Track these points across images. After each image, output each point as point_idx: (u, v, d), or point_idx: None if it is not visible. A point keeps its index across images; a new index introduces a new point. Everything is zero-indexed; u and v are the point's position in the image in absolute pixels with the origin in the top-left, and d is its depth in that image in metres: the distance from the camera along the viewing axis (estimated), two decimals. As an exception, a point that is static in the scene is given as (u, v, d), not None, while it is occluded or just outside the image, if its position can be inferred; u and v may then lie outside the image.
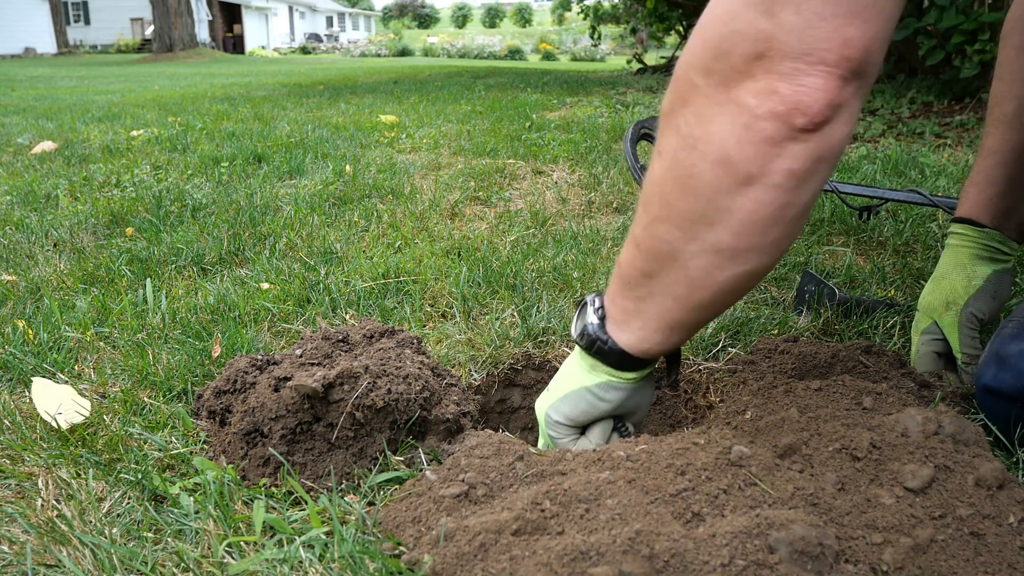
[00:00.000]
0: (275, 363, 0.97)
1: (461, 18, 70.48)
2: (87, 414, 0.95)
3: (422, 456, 0.87)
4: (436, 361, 1.04)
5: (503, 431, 1.10)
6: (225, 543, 0.73)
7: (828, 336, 1.22)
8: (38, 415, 0.95)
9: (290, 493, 0.82)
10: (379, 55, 30.38)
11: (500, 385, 1.16)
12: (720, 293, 0.73)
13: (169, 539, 0.75)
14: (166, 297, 1.41)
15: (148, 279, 1.49)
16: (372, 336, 1.03)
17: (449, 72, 10.12)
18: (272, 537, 0.75)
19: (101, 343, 1.22)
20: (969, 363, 1.05)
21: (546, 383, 1.19)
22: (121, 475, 0.84)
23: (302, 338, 1.04)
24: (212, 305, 1.36)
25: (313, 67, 13.90)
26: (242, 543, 0.74)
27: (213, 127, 3.93)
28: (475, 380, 1.13)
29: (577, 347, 0.86)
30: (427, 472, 0.82)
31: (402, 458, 0.87)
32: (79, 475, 0.85)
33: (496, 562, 0.64)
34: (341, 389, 0.86)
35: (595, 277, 1.49)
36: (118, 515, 0.79)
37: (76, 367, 1.14)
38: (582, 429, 0.90)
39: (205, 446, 0.92)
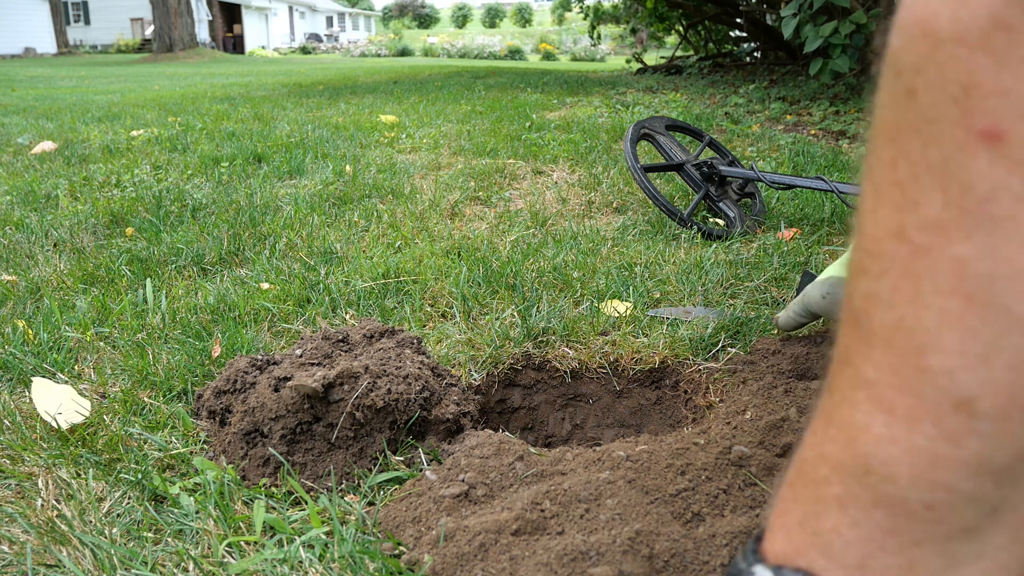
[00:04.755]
0: (275, 363, 0.98)
1: (461, 18, 70.45)
2: (87, 414, 0.95)
3: (422, 456, 0.87)
4: (436, 361, 1.04)
5: (503, 431, 1.10)
6: (225, 543, 0.73)
7: (828, 336, 1.22)
8: (38, 415, 0.95)
9: (290, 493, 0.82)
10: (379, 55, 30.38)
11: (500, 385, 1.16)
12: None
13: (169, 539, 0.75)
14: (166, 297, 1.41)
15: (148, 279, 1.49)
16: (372, 336, 1.03)
17: (449, 72, 10.11)
18: (272, 537, 0.75)
19: (101, 343, 1.22)
20: None
21: (546, 383, 1.19)
22: (121, 475, 0.84)
23: (302, 338, 1.04)
24: (212, 305, 1.36)
25: (313, 67, 13.90)
26: (242, 543, 0.74)
27: (213, 127, 3.93)
28: (475, 380, 1.13)
29: None
30: (427, 472, 0.82)
31: (402, 458, 0.87)
32: (79, 475, 0.85)
33: (496, 562, 0.64)
34: (341, 389, 0.86)
35: (595, 277, 1.49)
36: (118, 515, 0.79)
37: (76, 367, 1.14)
38: None
39: (205, 446, 0.92)
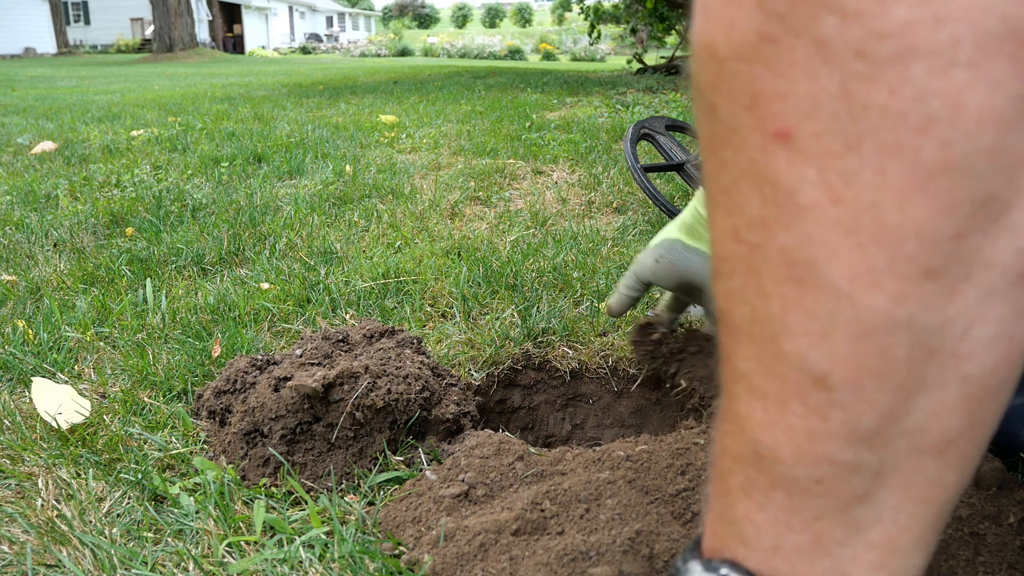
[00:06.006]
0: (275, 363, 0.97)
1: (461, 18, 70.46)
2: (87, 414, 0.95)
3: (422, 456, 0.87)
4: (436, 361, 1.04)
5: (503, 431, 1.10)
6: (225, 543, 0.73)
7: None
8: (38, 415, 0.95)
9: (290, 493, 0.82)
10: (379, 55, 30.38)
11: (500, 385, 1.16)
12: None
13: (169, 539, 0.75)
14: (166, 297, 1.41)
15: (148, 279, 1.49)
16: (372, 336, 1.03)
17: (449, 72, 10.11)
18: (272, 537, 0.75)
19: (101, 343, 1.22)
20: None
21: (546, 383, 1.19)
22: (121, 475, 0.84)
23: (302, 338, 1.04)
24: (212, 305, 1.36)
25: (313, 67, 13.90)
26: (242, 543, 0.74)
27: (213, 127, 3.93)
28: (475, 380, 1.13)
29: None
30: (427, 472, 0.82)
31: (402, 458, 0.87)
32: (79, 475, 0.85)
33: (496, 562, 0.64)
34: (341, 389, 0.86)
35: (595, 277, 1.49)
36: (118, 515, 0.79)
37: (76, 367, 1.14)
38: None
39: (205, 446, 0.92)
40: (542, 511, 0.69)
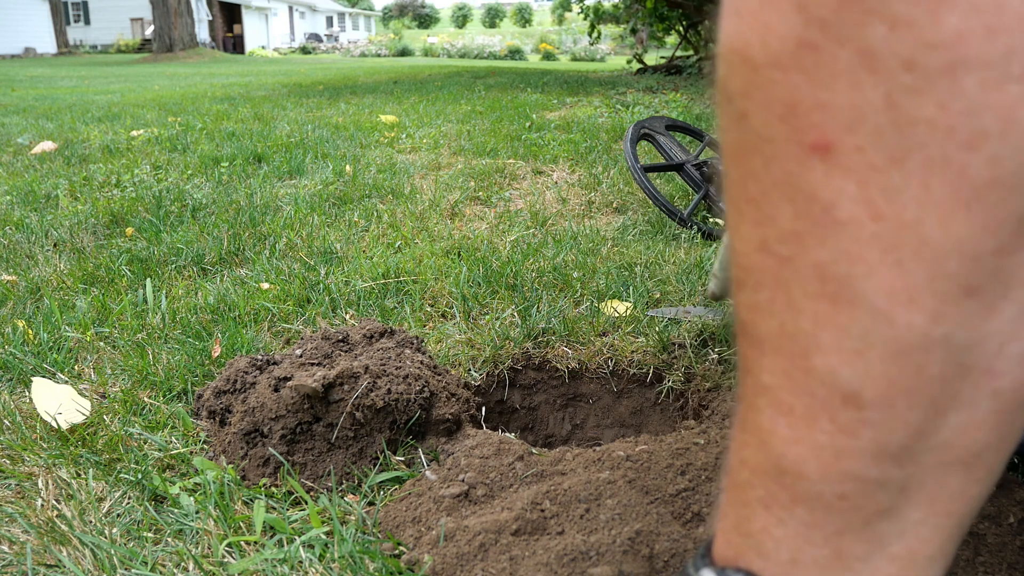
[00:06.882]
0: (275, 363, 0.97)
1: (461, 18, 70.46)
2: (87, 414, 0.95)
3: (422, 456, 0.87)
4: (436, 361, 1.04)
5: (503, 431, 1.10)
6: (225, 543, 0.73)
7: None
8: (38, 415, 0.95)
9: (290, 493, 0.82)
10: (379, 55, 30.38)
11: (500, 385, 1.16)
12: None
13: (169, 539, 0.75)
14: (166, 297, 1.41)
15: (148, 279, 1.49)
16: (372, 336, 1.03)
17: (449, 72, 10.11)
18: (272, 537, 0.75)
19: (101, 343, 1.22)
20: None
21: (546, 383, 1.19)
22: (121, 475, 0.84)
23: (302, 338, 1.04)
24: (212, 305, 1.36)
25: (313, 67, 13.90)
26: (242, 543, 0.74)
27: (213, 127, 3.93)
28: (475, 380, 1.13)
29: None
30: (427, 472, 0.82)
31: (402, 458, 0.87)
32: (79, 475, 0.85)
33: (496, 562, 0.64)
34: (341, 389, 0.86)
35: (595, 277, 1.49)
36: (118, 515, 0.79)
37: (76, 367, 1.14)
38: None
39: (205, 446, 0.92)
40: (542, 511, 0.69)
